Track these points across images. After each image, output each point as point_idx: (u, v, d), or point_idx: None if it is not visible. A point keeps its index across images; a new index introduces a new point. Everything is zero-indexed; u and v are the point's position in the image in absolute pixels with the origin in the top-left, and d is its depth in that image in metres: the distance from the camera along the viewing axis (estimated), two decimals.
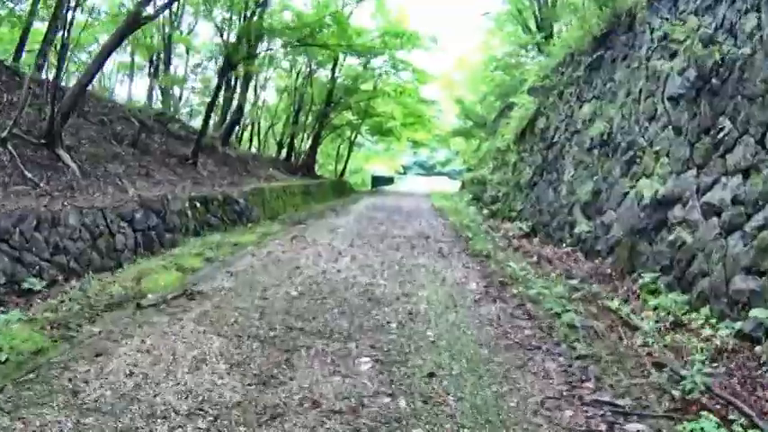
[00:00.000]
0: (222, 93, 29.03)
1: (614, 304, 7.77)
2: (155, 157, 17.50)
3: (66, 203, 9.62)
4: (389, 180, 62.83)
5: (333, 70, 33.79)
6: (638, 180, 9.96)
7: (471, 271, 10.52)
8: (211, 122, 30.61)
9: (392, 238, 13.91)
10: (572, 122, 15.00)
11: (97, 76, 19.40)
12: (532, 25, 28.85)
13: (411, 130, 41.73)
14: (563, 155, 15.03)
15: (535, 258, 11.25)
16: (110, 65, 26.81)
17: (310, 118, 33.27)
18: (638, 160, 10.15)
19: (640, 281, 8.51)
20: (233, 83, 25.00)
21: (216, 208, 15.03)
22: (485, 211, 22.00)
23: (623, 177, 10.56)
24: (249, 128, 34.17)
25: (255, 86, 32.76)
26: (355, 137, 45.07)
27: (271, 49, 31.33)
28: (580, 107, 14.69)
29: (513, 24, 31.36)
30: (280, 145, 34.40)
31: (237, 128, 32.79)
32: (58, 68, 13.41)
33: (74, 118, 13.77)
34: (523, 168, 18.67)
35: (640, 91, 10.80)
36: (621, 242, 9.86)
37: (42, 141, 11.57)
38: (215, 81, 29.97)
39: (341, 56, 33.83)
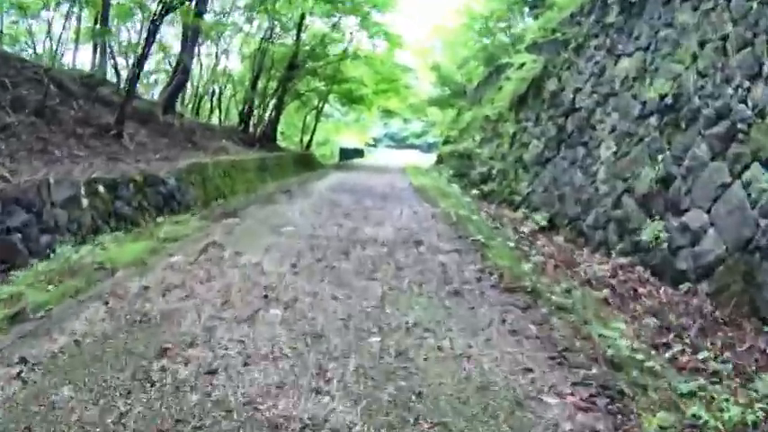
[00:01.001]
0: (165, 52, 25.14)
1: None
2: (64, 128, 13.62)
3: None
4: (359, 152, 58.70)
5: (298, 30, 29.73)
6: (745, 166, 6.47)
7: (526, 343, 5.10)
8: (158, 88, 27.07)
9: (363, 248, 8.48)
10: (603, 83, 11.49)
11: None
12: None
13: (384, 97, 37.80)
14: (592, 124, 11.52)
15: (584, 276, 7.63)
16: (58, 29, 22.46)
17: (272, 84, 29.22)
18: (740, 136, 6.65)
19: None
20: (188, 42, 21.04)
21: (132, 193, 11.25)
22: (473, 192, 18.53)
23: (716, 160, 7.06)
24: (211, 97, 30.07)
25: (217, 53, 28.84)
26: (323, 106, 41.06)
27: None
28: (615, 62, 11.20)
29: None
30: (241, 115, 30.34)
31: (197, 96, 29.08)
32: None
33: None
34: (528, 141, 15.20)
35: (725, 38, 7.29)
36: (727, 263, 6.39)
37: None
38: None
39: (307, 17, 30.03)
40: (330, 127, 50.67)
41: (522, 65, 17.20)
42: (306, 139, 41.50)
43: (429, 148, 78.14)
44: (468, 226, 11.01)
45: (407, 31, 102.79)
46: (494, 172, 17.51)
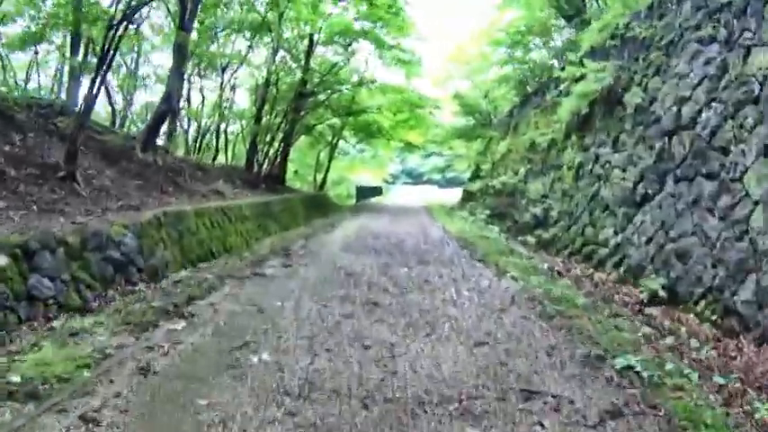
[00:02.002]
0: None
1: None
2: None
3: None
4: (377, 190, 55.15)
5: (307, 55, 26.43)
6: None
7: None
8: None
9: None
10: (728, 86, 7.85)
11: None
12: None
13: (403, 130, 34.31)
14: (720, 146, 7.81)
15: None
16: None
17: (279, 118, 25.83)
18: None
19: None
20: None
21: (59, 262, 7.69)
22: (524, 239, 14.86)
23: None
24: (216, 136, 26.71)
25: (222, 85, 25.64)
26: (337, 141, 37.77)
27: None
28: (743, 57, 7.59)
29: None
30: (246, 153, 26.88)
31: (200, 134, 25.82)
32: None
33: None
34: (605, 173, 11.50)
35: None
36: None
37: None
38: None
39: (316, 45, 26.81)
40: (345, 165, 47.26)
41: (581, 77, 13.59)
42: (319, 177, 38.12)
43: (448, 183, 75.22)
44: (584, 322, 6.71)
45: (426, 59, 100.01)
46: (552, 214, 13.82)
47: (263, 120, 25.16)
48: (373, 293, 8.23)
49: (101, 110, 22.23)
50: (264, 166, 25.61)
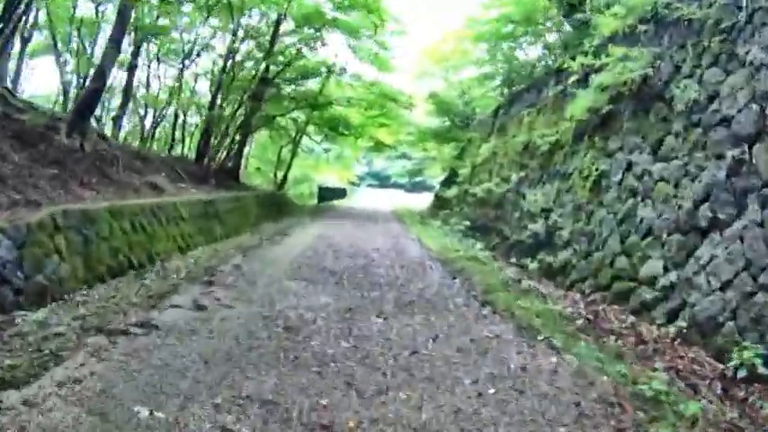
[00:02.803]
0: None
1: None
2: None
3: None
4: (341, 192, 52.07)
5: (273, 36, 23.48)
6: None
7: None
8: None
9: None
10: None
11: None
12: None
13: (374, 126, 31.54)
14: None
15: None
16: None
17: (236, 106, 22.86)
18: None
19: None
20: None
21: None
22: (519, 261, 12.32)
23: None
24: (173, 126, 23.70)
25: (182, 72, 23.18)
26: (300, 137, 34.75)
27: None
28: None
29: None
30: (197, 145, 23.76)
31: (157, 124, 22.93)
32: None
33: None
34: (643, 187, 8.90)
35: None
36: None
37: None
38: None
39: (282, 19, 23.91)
40: (309, 163, 44.33)
41: (599, 68, 11.06)
42: (281, 175, 35.14)
43: (414, 187, 72.86)
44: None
45: (402, 55, 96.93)
46: (562, 233, 11.18)
47: (219, 108, 22.22)
48: (326, 393, 4.75)
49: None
50: (216, 158, 22.62)
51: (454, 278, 10.29)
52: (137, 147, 19.06)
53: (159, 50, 22.88)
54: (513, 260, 12.85)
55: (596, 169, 10.55)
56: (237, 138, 24.09)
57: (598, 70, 11.24)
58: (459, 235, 18.15)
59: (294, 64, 25.34)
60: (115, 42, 15.56)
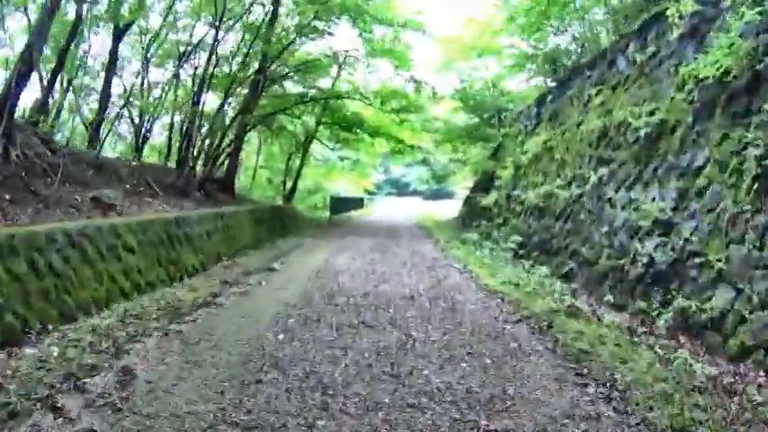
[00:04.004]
0: None
1: None
2: None
3: None
4: (357, 202, 47.77)
5: (272, 19, 19.49)
6: None
7: None
8: None
9: None
10: None
11: None
12: None
13: (392, 124, 27.28)
14: None
15: None
16: None
17: (223, 99, 18.85)
18: None
19: None
20: None
21: None
22: (659, 316, 8.06)
23: None
24: (169, 133, 20.06)
25: (177, 73, 19.38)
26: (310, 141, 30.77)
27: None
28: None
29: None
30: (178, 150, 19.76)
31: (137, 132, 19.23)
32: None
33: None
34: None
35: None
36: None
37: None
38: None
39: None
40: (322, 172, 40.31)
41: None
42: (290, 185, 31.25)
43: (434, 195, 68.85)
44: None
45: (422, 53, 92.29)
46: (708, 261, 6.95)
47: (202, 103, 18.20)
48: None
49: None
50: (197, 166, 18.51)
51: (580, 375, 5.62)
52: (95, 154, 14.95)
53: (148, 49, 19.08)
54: (611, 299, 8.63)
55: (758, 159, 6.36)
56: (226, 140, 19.90)
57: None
58: (510, 255, 13.98)
59: (295, 54, 21.41)
60: (49, 14, 11.73)
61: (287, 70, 22.53)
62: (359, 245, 17.20)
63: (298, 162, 31.44)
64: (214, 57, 17.76)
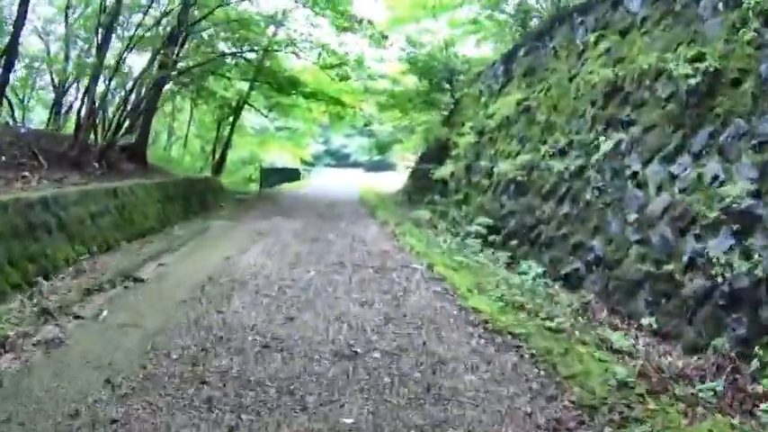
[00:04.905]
0: None
1: None
2: None
3: None
4: (293, 174, 44.12)
5: None
6: None
7: None
8: None
9: None
10: None
11: None
12: None
13: (333, 88, 24.15)
14: None
15: None
16: None
17: (127, 48, 15.44)
18: None
19: None
20: None
21: None
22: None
23: None
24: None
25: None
26: (242, 106, 27.44)
27: None
28: None
29: None
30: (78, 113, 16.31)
31: None
32: None
33: None
34: None
35: None
36: None
37: None
38: None
39: None
40: (258, 141, 36.95)
41: None
42: (218, 155, 28.04)
43: (374, 167, 66.32)
44: None
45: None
46: None
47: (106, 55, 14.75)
48: None
49: None
50: (101, 132, 15.14)
51: None
52: None
53: None
54: (651, 323, 6.02)
55: None
56: (136, 101, 16.47)
57: None
58: (478, 242, 11.24)
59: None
60: None
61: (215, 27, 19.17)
62: (283, 230, 13.52)
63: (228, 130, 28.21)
64: None
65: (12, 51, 13.13)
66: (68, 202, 9.51)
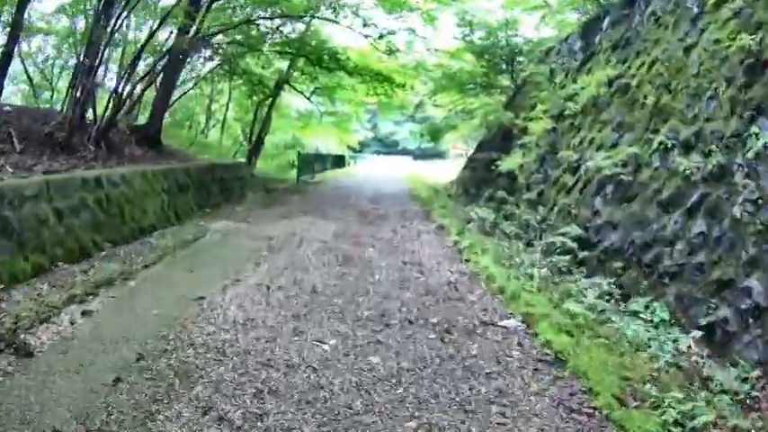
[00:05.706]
0: None
1: None
2: None
3: None
4: (338, 160, 41.59)
5: None
6: None
7: None
8: None
9: None
10: None
11: None
12: None
13: (380, 63, 21.63)
14: None
15: None
16: None
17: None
18: None
19: None
20: None
21: None
22: None
23: None
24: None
25: None
26: (281, 86, 25.20)
27: None
28: None
29: None
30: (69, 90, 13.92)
31: None
32: None
33: None
34: None
35: None
36: None
37: None
38: None
39: None
40: (299, 125, 34.64)
41: None
42: (254, 139, 26.03)
43: (423, 154, 66.08)
44: None
45: None
46: None
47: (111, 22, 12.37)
48: None
49: None
50: (103, 111, 12.77)
51: None
52: None
53: None
54: None
55: None
56: (150, 75, 14.07)
57: None
58: (566, 262, 8.47)
59: None
60: None
61: None
62: (305, 241, 10.22)
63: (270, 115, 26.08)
64: None
65: (16, 25, 11.18)
66: (21, 196, 7.16)
